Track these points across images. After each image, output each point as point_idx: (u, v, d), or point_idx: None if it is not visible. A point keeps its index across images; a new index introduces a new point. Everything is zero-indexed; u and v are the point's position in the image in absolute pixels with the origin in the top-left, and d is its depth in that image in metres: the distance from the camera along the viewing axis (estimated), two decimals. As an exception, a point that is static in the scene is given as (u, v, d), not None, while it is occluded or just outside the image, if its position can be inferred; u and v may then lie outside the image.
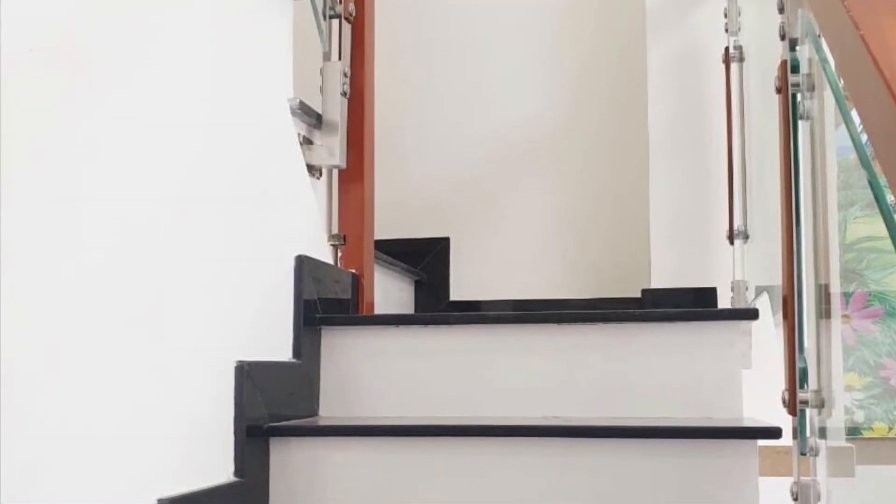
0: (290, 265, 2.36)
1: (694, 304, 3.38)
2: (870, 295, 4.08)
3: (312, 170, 2.64)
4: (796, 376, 2.04)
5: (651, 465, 2.01)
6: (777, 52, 2.16)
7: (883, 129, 1.16)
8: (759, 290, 2.91)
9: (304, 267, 2.37)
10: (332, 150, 2.70)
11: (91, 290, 1.52)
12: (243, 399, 2.00)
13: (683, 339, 2.27)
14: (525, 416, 2.27)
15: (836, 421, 2.14)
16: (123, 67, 1.66)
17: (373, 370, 2.39)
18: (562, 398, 2.29)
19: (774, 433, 1.96)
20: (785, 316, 2.13)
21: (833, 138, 2.00)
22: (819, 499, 1.96)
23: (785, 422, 2.01)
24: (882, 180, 1.19)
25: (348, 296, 2.66)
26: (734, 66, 3.21)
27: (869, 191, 1.43)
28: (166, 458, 1.72)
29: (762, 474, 1.97)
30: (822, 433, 2.05)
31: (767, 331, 2.53)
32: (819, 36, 1.86)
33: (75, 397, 1.46)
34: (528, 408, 2.29)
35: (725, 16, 3.27)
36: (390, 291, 3.55)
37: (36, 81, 1.41)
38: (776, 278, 2.23)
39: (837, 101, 1.77)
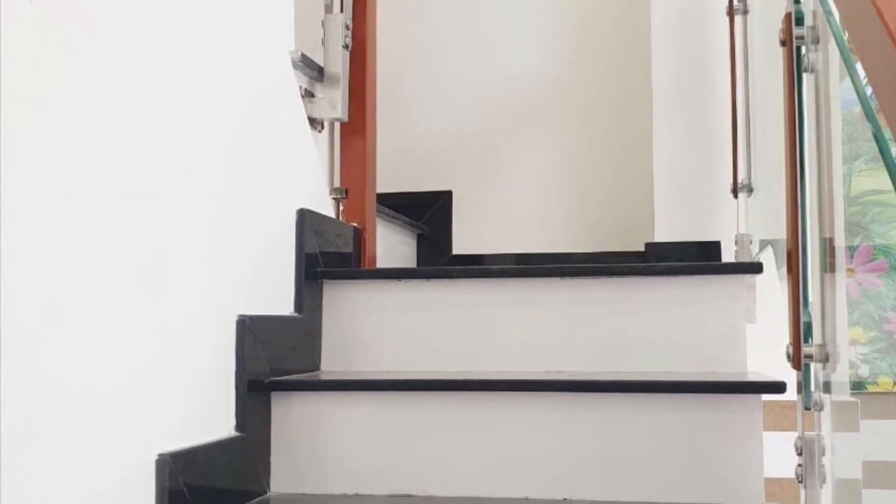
0: (292, 219, 2.35)
1: (697, 258, 3.37)
2: (875, 248, 4.06)
3: (314, 123, 2.63)
4: (801, 330, 2.03)
5: (654, 420, 2.01)
6: (781, 4, 2.14)
7: (887, 81, 1.14)
8: (763, 244, 2.89)
9: (306, 220, 2.36)
10: (333, 102, 2.68)
11: (91, 244, 1.51)
12: (244, 353, 2.00)
13: (687, 293, 2.27)
14: (528, 371, 2.27)
15: (841, 375, 2.13)
16: (123, 18, 1.64)
17: (375, 324, 2.39)
18: (565, 352, 2.28)
19: (779, 388, 1.95)
20: (789, 270, 2.11)
21: (837, 91, 1.98)
22: (823, 453, 1.96)
23: (789, 376, 2.00)
24: (887, 133, 1.18)
25: (350, 249, 2.65)
26: (738, 19, 3.18)
27: (873, 144, 1.42)
28: (167, 414, 1.72)
29: (766, 429, 1.97)
30: (827, 388, 2.04)
31: (771, 285, 2.51)
32: (824, -12, 1.84)
33: (75, 353, 1.45)
34: (531, 362, 2.29)
35: (730, -33, 3.24)
36: (392, 245, 3.54)
37: (37, 32, 1.39)
38: (780, 232, 2.21)
39: (842, 53, 1.75)
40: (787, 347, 2.04)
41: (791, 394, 2.00)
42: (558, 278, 2.33)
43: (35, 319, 1.36)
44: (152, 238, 1.69)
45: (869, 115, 1.46)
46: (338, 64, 2.69)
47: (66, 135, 1.45)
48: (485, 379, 2.11)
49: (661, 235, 3.53)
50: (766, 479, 1.95)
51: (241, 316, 2.01)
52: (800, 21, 2.05)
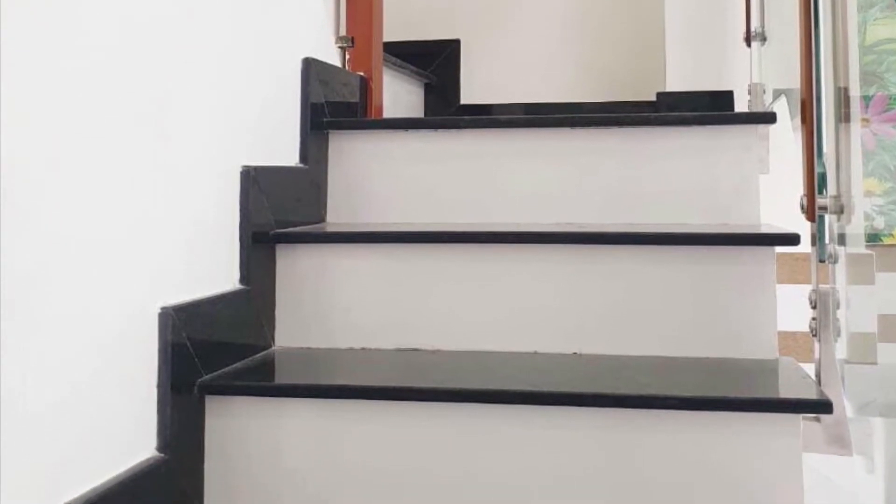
0: (297, 67, 2.30)
1: (710, 108, 3.33)
2: (890, 98, 4.01)
3: (318, -32, 2.56)
4: (815, 181, 2.00)
5: (665, 273, 1.98)
6: None
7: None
8: (777, 94, 2.85)
9: (311, 69, 2.32)
10: (338, -53, 2.62)
11: (92, 89, 1.46)
12: (249, 205, 1.97)
13: (699, 144, 2.23)
14: (537, 223, 2.24)
15: (856, 227, 2.11)
16: None
17: (381, 175, 2.35)
18: (575, 204, 2.25)
19: (792, 239, 1.92)
20: (803, 120, 2.08)
21: (853, -65, 1.93)
22: (838, 306, 1.94)
23: (803, 228, 1.98)
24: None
25: (356, 99, 2.61)
26: None
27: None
28: (170, 266, 1.69)
29: (780, 282, 1.94)
30: (842, 240, 2.02)
31: (785, 135, 2.48)
32: None
33: (76, 201, 1.41)
34: (540, 214, 2.26)
35: None
36: (399, 95, 3.50)
37: None
38: (794, 81, 2.17)
39: None
40: (801, 199, 2.02)
41: (805, 246, 1.98)
42: (568, 128, 2.29)
43: (35, 167, 1.32)
44: (155, 82, 1.65)
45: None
46: None
47: (58, -22, 1.40)
48: (493, 231, 2.08)
49: (673, 85, 3.49)
50: (780, 333, 1.93)
51: (246, 166, 1.98)
52: None
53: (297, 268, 2.09)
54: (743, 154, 2.21)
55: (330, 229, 2.20)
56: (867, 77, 4.00)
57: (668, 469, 1.66)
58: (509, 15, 3.95)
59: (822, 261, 1.98)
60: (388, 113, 2.98)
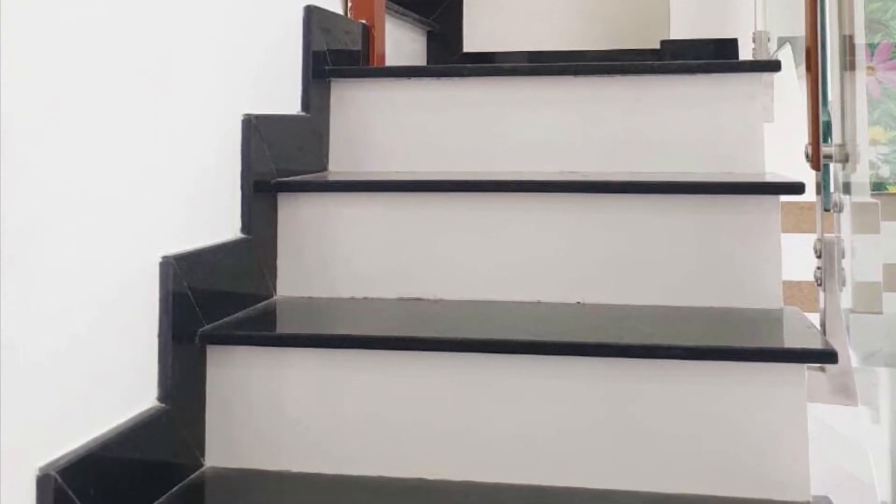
0: (299, 16, 2.29)
1: (714, 56, 3.32)
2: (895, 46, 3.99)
3: (319, -86, 2.54)
4: (820, 130, 2.00)
5: (669, 222, 1.97)
6: None
7: None
8: (782, 42, 2.83)
9: (313, 17, 2.30)
10: None
11: (92, 37, 1.45)
12: (250, 153, 1.96)
13: (703, 92, 2.22)
14: (540, 172, 2.23)
15: (861, 176, 2.11)
16: None
17: (384, 124, 2.34)
18: (578, 153, 2.24)
19: (797, 188, 1.91)
20: (808, 68, 2.07)
21: None
22: (843, 256, 1.93)
23: (808, 177, 1.97)
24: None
25: (358, 47, 2.59)
26: None
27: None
28: (170, 215, 1.68)
29: (784, 231, 1.93)
30: (847, 188, 2.02)
31: (790, 83, 2.46)
32: None
33: (76, 151, 1.40)
34: (543, 163, 2.25)
35: None
36: (402, 43, 3.48)
37: None
38: (799, 29, 2.16)
39: None
40: (806, 147, 2.02)
41: (810, 195, 1.97)
42: (571, 76, 2.28)
43: (35, 117, 1.31)
44: (155, 32, 1.63)
45: None
46: None
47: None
48: (496, 180, 2.07)
49: (678, 33, 3.47)
50: (785, 283, 1.92)
51: (247, 115, 1.97)
52: None
53: (298, 217, 2.08)
54: (747, 102, 2.19)
55: (332, 178, 2.19)
56: (872, 25, 3.98)
57: (671, 419, 1.65)
58: (512, -39, 3.93)
59: (827, 210, 1.98)
60: (390, 61, 2.96)
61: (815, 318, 1.88)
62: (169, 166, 1.67)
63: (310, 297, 2.07)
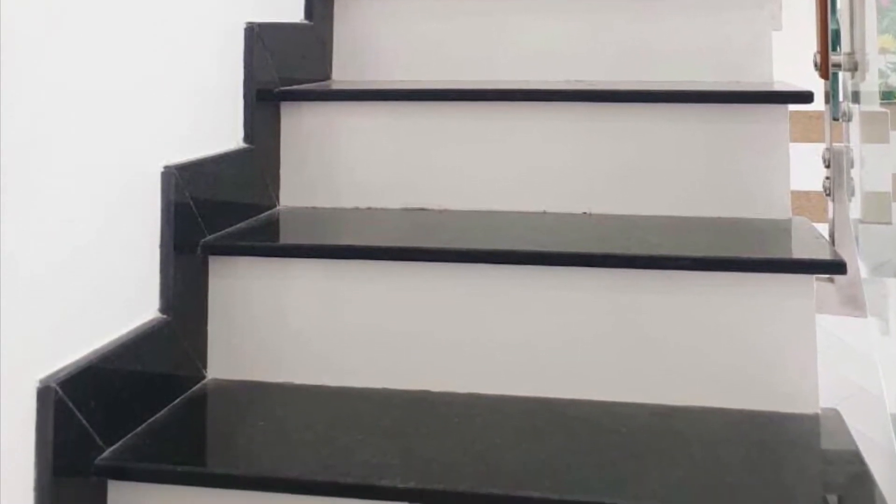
0: (301, -77, 2.25)
1: (723, -37, 3.27)
2: (907, -48, 3.95)
3: None
4: (828, 38, 1.98)
5: (677, 131, 1.95)
6: None
7: None
8: (791, -52, 2.80)
9: (315, -77, 2.27)
10: None
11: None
12: (253, 62, 1.94)
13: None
14: (546, 80, 2.21)
15: (870, 85, 2.09)
16: None
17: (388, 32, 2.32)
18: (585, 61, 2.22)
19: (806, 97, 1.89)
20: (816, -26, 2.05)
21: None
22: (852, 165, 1.92)
23: (817, 86, 1.95)
24: None
25: (361, -47, 2.56)
26: None
27: None
28: (173, 125, 1.66)
29: (793, 140, 1.91)
30: (856, 97, 2.00)
31: (799, -9, 2.45)
32: None
33: (78, 57, 1.38)
34: (549, 71, 2.23)
35: None
36: (405, -50, 3.44)
37: None
38: (808, -65, 2.13)
39: None
40: (815, 56, 2.00)
41: (819, 104, 1.96)
42: (578, -18, 2.26)
43: (36, 24, 1.29)
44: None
45: None
46: None
47: None
48: (501, 88, 2.05)
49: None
50: (793, 192, 1.90)
51: (250, 23, 1.95)
52: None
53: (302, 126, 2.06)
54: (755, 10, 2.17)
55: (336, 86, 2.18)
56: (883, -69, 3.94)
57: (678, 331, 1.64)
58: None
59: (835, 119, 1.97)
60: (394, -32, 2.93)
61: (823, 229, 1.87)
62: (170, 74, 1.65)
63: (313, 208, 2.05)
